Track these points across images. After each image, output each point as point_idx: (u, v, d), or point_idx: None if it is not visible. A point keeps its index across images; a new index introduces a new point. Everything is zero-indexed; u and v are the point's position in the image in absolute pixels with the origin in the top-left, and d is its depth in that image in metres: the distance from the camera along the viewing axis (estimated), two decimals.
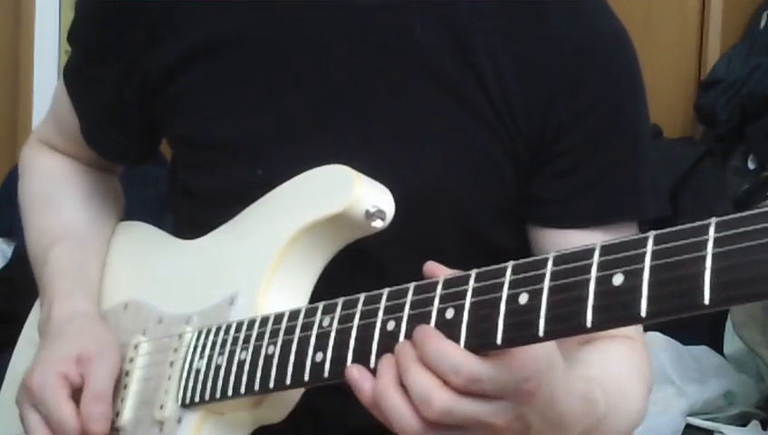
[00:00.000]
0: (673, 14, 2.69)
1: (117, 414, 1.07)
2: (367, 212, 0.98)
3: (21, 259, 2.37)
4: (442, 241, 1.09)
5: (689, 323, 2.19)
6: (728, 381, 2.15)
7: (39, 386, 1.04)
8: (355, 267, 1.03)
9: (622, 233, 1.09)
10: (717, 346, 2.23)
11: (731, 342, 2.20)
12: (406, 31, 1.08)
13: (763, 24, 2.59)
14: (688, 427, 2.09)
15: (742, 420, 2.11)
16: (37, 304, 1.28)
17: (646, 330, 2.17)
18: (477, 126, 1.07)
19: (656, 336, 2.19)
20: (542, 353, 0.80)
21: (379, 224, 0.98)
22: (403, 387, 0.80)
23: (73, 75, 1.25)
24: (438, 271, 0.84)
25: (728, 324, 2.17)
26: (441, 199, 1.08)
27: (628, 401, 1.03)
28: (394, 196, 1.00)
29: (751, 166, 2.42)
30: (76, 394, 1.05)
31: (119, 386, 1.08)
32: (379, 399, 0.81)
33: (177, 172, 1.22)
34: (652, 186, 1.12)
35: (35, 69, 3.09)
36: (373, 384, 0.82)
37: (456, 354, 0.78)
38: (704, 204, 2.37)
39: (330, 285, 1.02)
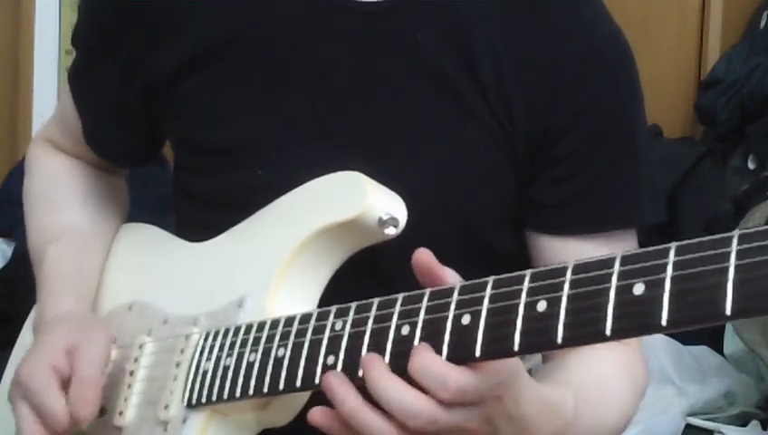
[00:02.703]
0: (673, 14, 2.69)
1: (120, 413, 1.07)
2: (380, 219, 0.98)
3: (21, 259, 2.37)
4: (442, 245, 1.07)
5: None
6: (728, 381, 2.16)
7: (28, 378, 1.04)
8: (356, 272, 1.03)
9: (620, 240, 1.10)
10: (717, 346, 2.23)
11: (731, 342, 2.20)
12: (406, 32, 1.08)
13: (763, 24, 2.59)
14: (688, 427, 2.09)
15: (742, 420, 2.11)
16: (33, 311, 1.28)
17: None
18: (477, 129, 1.07)
19: (656, 336, 2.19)
20: (508, 365, 0.82)
21: (391, 231, 0.98)
22: (372, 402, 0.82)
23: (76, 77, 1.26)
24: (430, 259, 0.86)
25: (728, 325, 2.17)
26: (442, 202, 1.08)
27: (609, 407, 1.04)
28: None
29: (751, 166, 2.42)
30: (67, 386, 1.04)
31: (122, 385, 1.09)
32: (353, 419, 0.83)
33: (179, 175, 1.22)
34: (650, 191, 1.12)
35: (35, 69, 3.09)
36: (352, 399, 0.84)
37: (441, 368, 0.80)
38: (704, 204, 2.37)
39: (331, 291, 1.02)
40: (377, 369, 0.83)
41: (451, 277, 0.86)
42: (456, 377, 0.80)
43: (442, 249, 1.06)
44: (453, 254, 1.07)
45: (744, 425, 2.09)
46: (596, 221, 1.09)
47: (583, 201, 1.09)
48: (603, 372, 1.06)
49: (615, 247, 1.07)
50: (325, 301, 0.96)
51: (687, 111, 2.69)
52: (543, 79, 1.07)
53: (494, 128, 1.07)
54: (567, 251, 1.07)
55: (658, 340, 2.19)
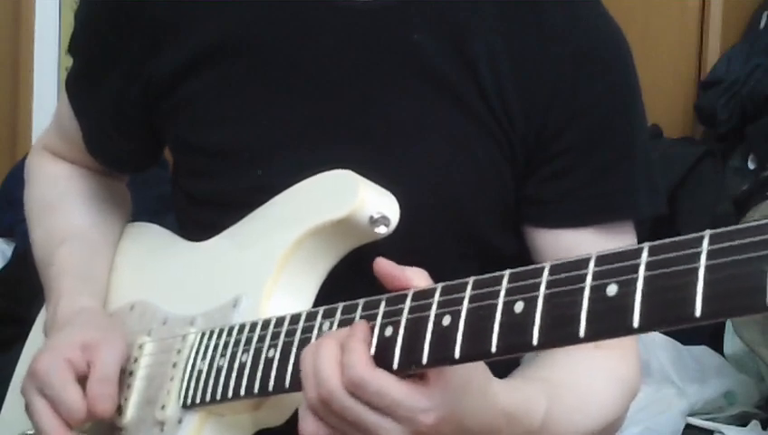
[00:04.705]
0: (673, 14, 2.68)
1: (120, 413, 1.08)
2: (371, 218, 0.98)
3: (21, 259, 2.37)
4: (442, 244, 1.09)
5: None
6: (728, 381, 2.15)
7: (45, 370, 1.05)
8: (354, 271, 1.02)
9: (618, 232, 1.10)
10: (717, 346, 2.22)
11: (731, 342, 2.20)
12: (404, 33, 1.08)
13: (763, 24, 2.59)
14: (688, 427, 2.09)
15: (742, 420, 2.11)
16: (43, 311, 1.28)
17: None
18: (476, 129, 1.07)
19: (656, 336, 2.19)
20: (455, 383, 0.83)
21: (382, 230, 0.98)
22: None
23: (75, 84, 1.26)
24: (389, 266, 0.87)
25: (728, 324, 2.17)
26: (441, 202, 1.08)
27: (588, 408, 1.04)
28: None
29: (751, 166, 2.41)
30: (81, 381, 1.05)
31: (122, 385, 1.09)
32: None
33: (179, 177, 1.22)
34: (649, 185, 1.12)
35: (35, 69, 3.09)
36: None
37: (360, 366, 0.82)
38: (704, 204, 2.37)
39: (329, 289, 1.02)
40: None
41: (412, 275, 0.87)
42: (371, 375, 0.82)
43: (440, 248, 1.07)
44: (451, 252, 1.07)
45: (744, 425, 2.09)
46: (593, 215, 1.10)
47: (580, 195, 1.09)
48: (584, 372, 1.06)
49: (612, 240, 1.08)
50: (324, 301, 0.96)
51: (687, 111, 2.68)
52: (541, 78, 1.07)
53: (492, 127, 1.07)
54: (564, 244, 1.08)
55: (658, 340, 2.19)
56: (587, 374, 1.06)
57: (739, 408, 2.13)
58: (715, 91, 2.52)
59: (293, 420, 0.99)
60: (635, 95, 1.12)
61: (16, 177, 2.63)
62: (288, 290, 1.02)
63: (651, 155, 1.15)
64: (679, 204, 2.37)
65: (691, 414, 2.11)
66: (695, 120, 2.68)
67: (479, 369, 0.86)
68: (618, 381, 1.09)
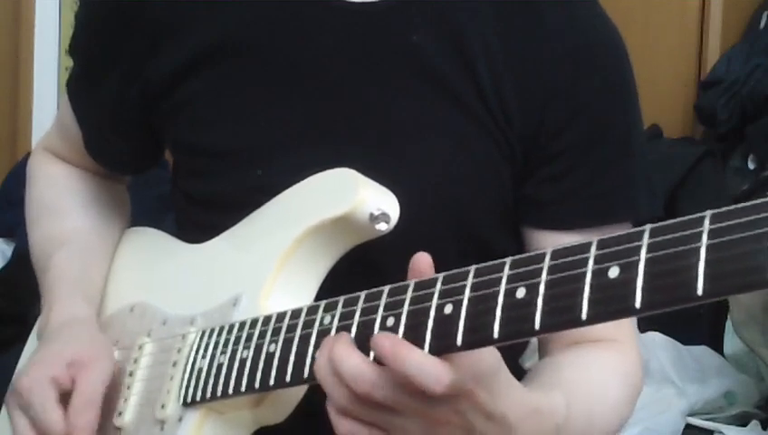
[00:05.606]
0: (673, 15, 2.69)
1: (119, 414, 1.08)
2: (371, 215, 0.98)
3: (21, 259, 2.37)
4: (441, 243, 1.08)
5: (689, 323, 2.20)
6: (728, 381, 2.15)
7: (28, 388, 1.04)
8: (353, 270, 1.03)
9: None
10: (717, 346, 2.23)
11: (731, 342, 2.20)
12: (402, 33, 1.08)
13: (763, 23, 2.59)
14: (688, 427, 2.09)
15: (742, 420, 2.11)
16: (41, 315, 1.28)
17: (645, 330, 2.18)
18: (475, 129, 1.08)
19: (656, 336, 2.19)
20: (485, 359, 0.82)
21: (383, 227, 0.98)
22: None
23: (76, 85, 1.26)
24: (426, 263, 0.86)
25: (728, 324, 2.17)
26: (440, 201, 1.08)
27: (602, 408, 1.04)
28: None
29: (751, 166, 2.42)
30: (65, 397, 1.04)
31: (122, 386, 1.09)
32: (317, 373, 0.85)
33: (178, 178, 1.22)
34: (647, 187, 1.13)
35: (35, 69, 3.10)
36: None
37: (430, 363, 0.80)
38: (704, 204, 2.36)
39: (329, 287, 1.02)
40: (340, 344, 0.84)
41: None
42: (445, 372, 0.79)
43: (440, 247, 1.06)
44: (451, 252, 1.07)
45: (744, 425, 2.09)
46: (592, 216, 1.09)
47: (580, 197, 1.09)
48: (596, 373, 1.06)
49: None
50: (324, 299, 0.96)
51: (687, 111, 2.69)
52: (539, 78, 1.07)
53: (490, 126, 1.07)
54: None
55: (658, 340, 2.19)
56: (599, 373, 1.06)
57: (739, 408, 2.13)
58: (715, 91, 2.52)
59: (293, 419, 1.00)
60: (632, 95, 1.13)
61: (16, 177, 2.64)
62: (288, 288, 1.02)
63: (647, 158, 1.15)
64: (679, 204, 2.37)
65: (691, 414, 2.11)
66: (695, 120, 2.69)
67: (503, 363, 0.86)
68: (627, 381, 1.09)
